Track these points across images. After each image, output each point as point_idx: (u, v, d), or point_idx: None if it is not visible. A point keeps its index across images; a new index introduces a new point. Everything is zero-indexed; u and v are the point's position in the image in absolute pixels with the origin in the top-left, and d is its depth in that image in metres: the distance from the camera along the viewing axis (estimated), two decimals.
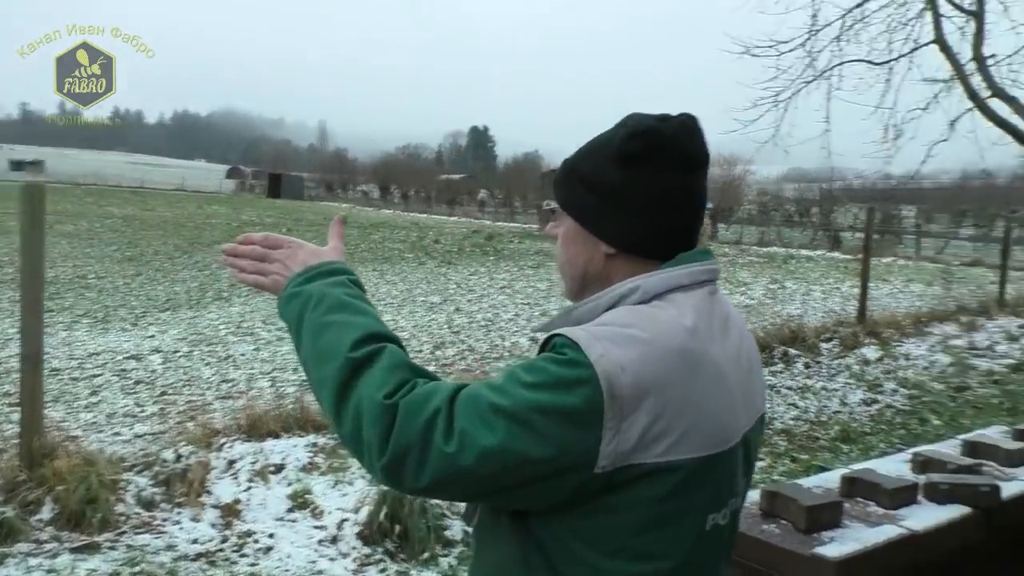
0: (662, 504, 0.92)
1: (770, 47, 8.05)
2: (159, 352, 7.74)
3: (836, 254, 27.32)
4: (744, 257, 22.71)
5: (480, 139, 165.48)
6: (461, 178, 70.42)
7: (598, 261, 1.06)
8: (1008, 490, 2.42)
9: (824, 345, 8.27)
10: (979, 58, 7.20)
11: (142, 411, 5.83)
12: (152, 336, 8.60)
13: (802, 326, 8.44)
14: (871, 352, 8.08)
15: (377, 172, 64.32)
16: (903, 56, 7.16)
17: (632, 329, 0.93)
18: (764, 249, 29.08)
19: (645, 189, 1.02)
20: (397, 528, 3.98)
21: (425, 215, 46.39)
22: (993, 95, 7.21)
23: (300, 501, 4.34)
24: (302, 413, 5.10)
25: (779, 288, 13.98)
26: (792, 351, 7.75)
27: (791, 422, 5.91)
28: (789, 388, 6.72)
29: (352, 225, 29.21)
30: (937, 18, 6.66)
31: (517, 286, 13.40)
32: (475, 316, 10.24)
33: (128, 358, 7.44)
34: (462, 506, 1.14)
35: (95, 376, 6.76)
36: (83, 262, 15.04)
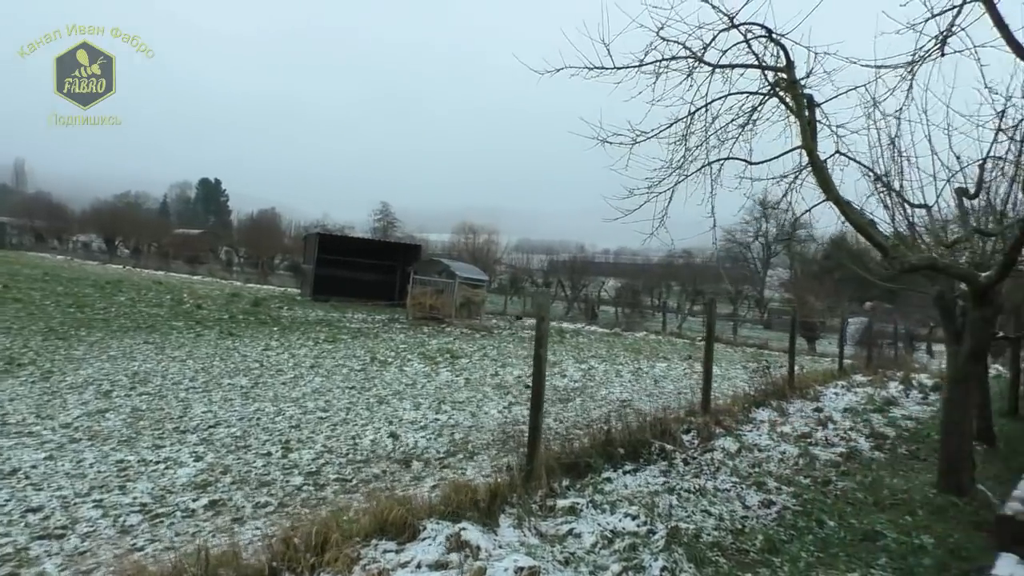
0: None
1: (628, 136, 8.06)
2: None
3: (595, 328, 28.84)
4: (523, 331, 23.03)
5: (212, 192, 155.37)
6: (199, 233, 65.23)
7: None
8: None
9: (685, 437, 8.27)
10: (814, 162, 7.69)
11: None
12: None
13: (665, 418, 8.37)
14: (728, 443, 8.20)
15: (100, 222, 57.37)
16: (778, 157, 7.50)
17: None
18: (529, 321, 29.85)
19: None
20: None
21: (163, 272, 41.99)
22: (828, 199, 7.70)
23: None
24: (205, 568, 3.78)
25: (588, 368, 14.14)
26: (667, 446, 7.62)
27: (715, 533, 5.62)
28: (688, 491, 6.49)
29: (83, 283, 25.53)
30: (805, 124, 7.02)
31: (327, 364, 12.14)
32: (304, 404, 8.96)
33: None
34: None
35: None
36: None
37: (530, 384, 11.36)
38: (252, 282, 41.52)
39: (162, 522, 4.92)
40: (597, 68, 7.62)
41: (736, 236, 64.24)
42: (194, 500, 5.37)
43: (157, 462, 6.24)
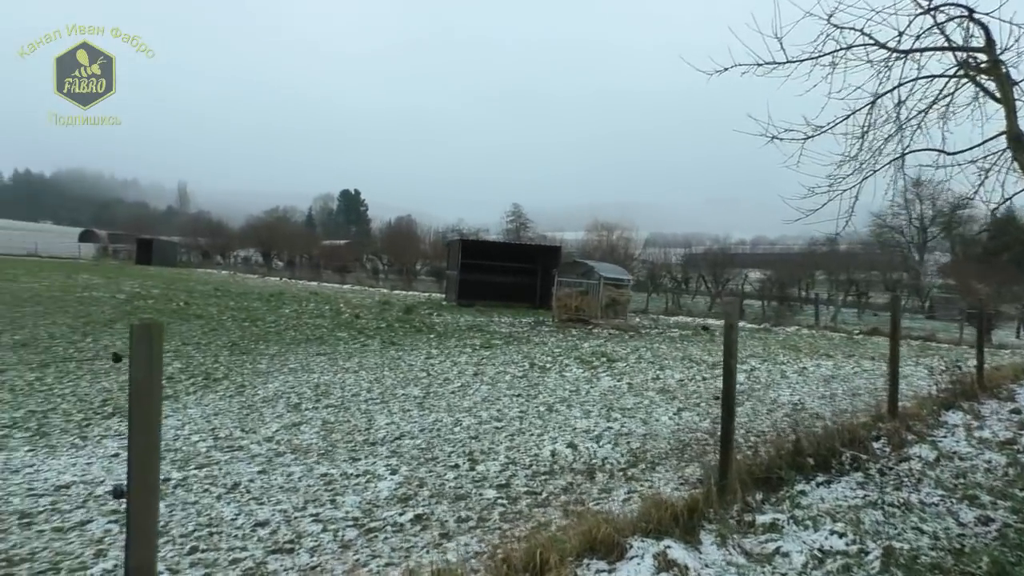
0: None
1: (800, 131, 7.71)
2: None
3: (743, 323, 27.93)
4: (671, 329, 22.63)
5: (352, 203, 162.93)
6: (345, 244, 68.50)
7: None
8: None
9: (875, 445, 7.84)
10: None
11: None
12: (116, 454, 7.01)
13: (853, 424, 7.96)
14: (924, 451, 7.70)
15: (257, 237, 61.46)
16: (981, 144, 6.97)
17: None
18: (673, 319, 29.31)
19: None
20: None
21: (315, 282, 44.33)
22: None
23: None
24: None
25: (750, 368, 13.71)
26: (860, 456, 7.24)
27: (932, 553, 5.27)
28: (892, 505, 6.14)
29: (250, 296, 27.30)
30: (1012, 107, 6.46)
31: (489, 371, 12.41)
32: (478, 414, 9.17)
33: (109, 492, 5.91)
34: None
35: (85, 525, 5.25)
36: None
37: (695, 389, 11.15)
38: (398, 289, 43.09)
39: (376, 536, 5.15)
40: (769, 63, 7.36)
41: (887, 220, 60.48)
42: (400, 514, 5.59)
43: (357, 475, 6.55)
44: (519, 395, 10.49)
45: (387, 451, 7.40)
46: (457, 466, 6.96)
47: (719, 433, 6.20)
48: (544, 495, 6.24)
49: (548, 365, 13.40)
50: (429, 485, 6.35)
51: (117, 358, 3.45)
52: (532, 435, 8.23)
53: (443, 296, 34.51)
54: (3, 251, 66.22)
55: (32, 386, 10.09)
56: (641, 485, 6.57)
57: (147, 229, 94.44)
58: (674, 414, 9.57)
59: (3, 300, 21.70)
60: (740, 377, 12.35)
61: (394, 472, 6.68)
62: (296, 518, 5.46)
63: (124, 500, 2.77)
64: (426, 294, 38.37)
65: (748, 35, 7.30)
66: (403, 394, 10.30)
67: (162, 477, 6.29)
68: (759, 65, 7.36)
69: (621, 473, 6.94)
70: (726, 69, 7.48)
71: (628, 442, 8.08)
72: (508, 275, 32.25)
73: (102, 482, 6.18)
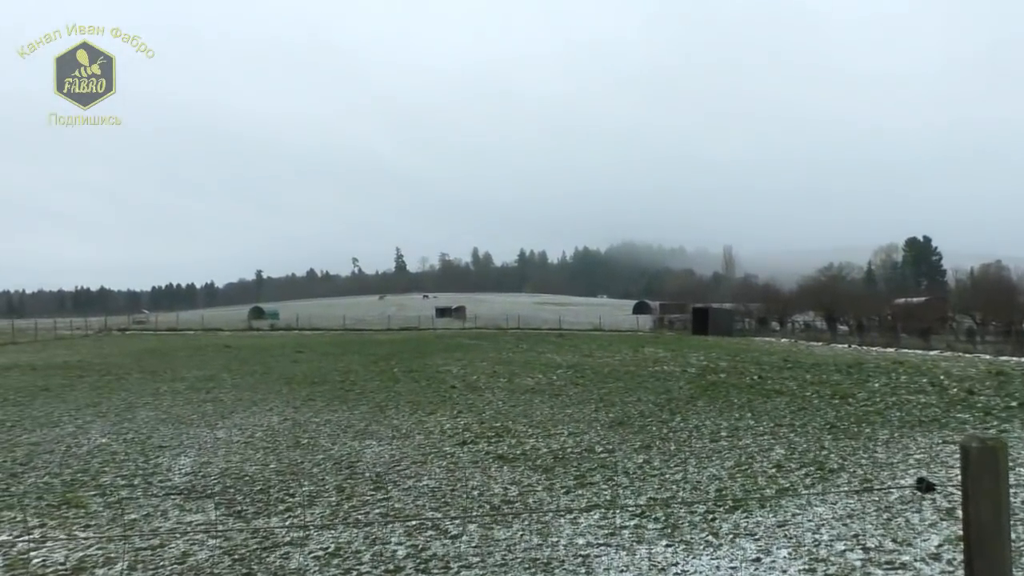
0: None
1: None
2: None
3: None
4: None
5: (921, 252, 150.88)
6: (923, 301, 63.21)
7: None
8: None
9: None
10: None
11: None
12: (757, 559, 6.73)
13: None
14: None
15: (817, 299, 60.66)
16: None
17: None
18: None
19: None
20: None
21: (892, 349, 41.31)
22: None
23: None
24: None
25: None
26: None
27: None
28: None
29: (825, 368, 26.40)
30: None
31: None
32: None
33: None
34: None
35: None
36: (574, 428, 14.45)
37: None
38: (1003, 354, 37.53)
39: None
40: None
41: None
42: None
43: None
44: None
45: None
46: None
47: None
48: None
49: None
50: None
51: (928, 486, 3.14)
52: None
53: None
54: (573, 326, 77.52)
55: (643, 470, 10.73)
56: None
57: (695, 297, 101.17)
58: None
59: (587, 377, 24.68)
60: None
61: None
62: None
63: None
64: None
65: None
66: None
67: None
68: None
69: None
70: None
71: None
72: None
73: None
